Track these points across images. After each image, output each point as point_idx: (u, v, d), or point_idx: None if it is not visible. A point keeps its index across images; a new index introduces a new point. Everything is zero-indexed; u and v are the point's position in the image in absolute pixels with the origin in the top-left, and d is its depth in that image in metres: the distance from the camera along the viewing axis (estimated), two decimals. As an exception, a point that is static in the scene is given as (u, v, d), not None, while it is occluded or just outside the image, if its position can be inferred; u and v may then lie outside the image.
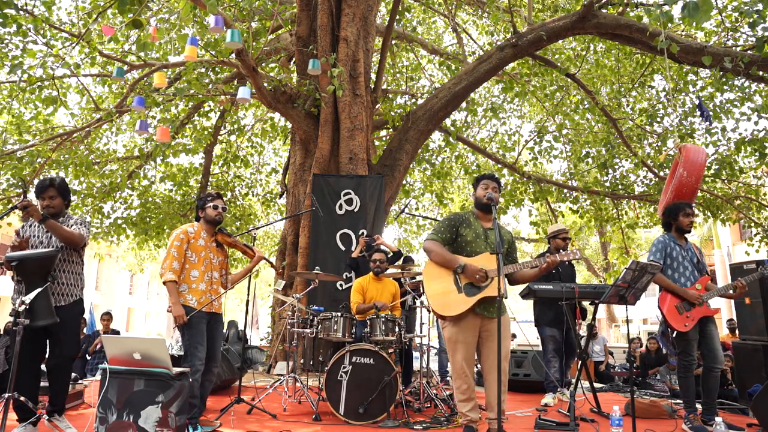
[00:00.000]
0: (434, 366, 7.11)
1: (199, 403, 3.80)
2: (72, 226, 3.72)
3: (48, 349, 3.68)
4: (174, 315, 3.67)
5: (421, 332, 5.31)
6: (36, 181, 8.73)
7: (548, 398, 5.42)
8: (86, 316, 9.91)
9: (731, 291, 4.21)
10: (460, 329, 3.53)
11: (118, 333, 8.93)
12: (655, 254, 4.33)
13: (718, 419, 3.24)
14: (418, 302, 5.28)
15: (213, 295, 3.88)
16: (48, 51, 7.34)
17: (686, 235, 4.48)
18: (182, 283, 3.80)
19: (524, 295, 5.25)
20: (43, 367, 3.85)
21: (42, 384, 3.81)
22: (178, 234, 3.83)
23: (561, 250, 5.57)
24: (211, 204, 3.96)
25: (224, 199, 4.19)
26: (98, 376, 3.31)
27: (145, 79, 8.37)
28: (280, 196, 10.07)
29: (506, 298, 3.23)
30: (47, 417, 3.52)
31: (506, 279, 3.61)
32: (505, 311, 3.62)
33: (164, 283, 3.74)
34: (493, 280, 3.45)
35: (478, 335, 3.58)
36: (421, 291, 6.69)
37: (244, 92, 5.92)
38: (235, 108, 10.92)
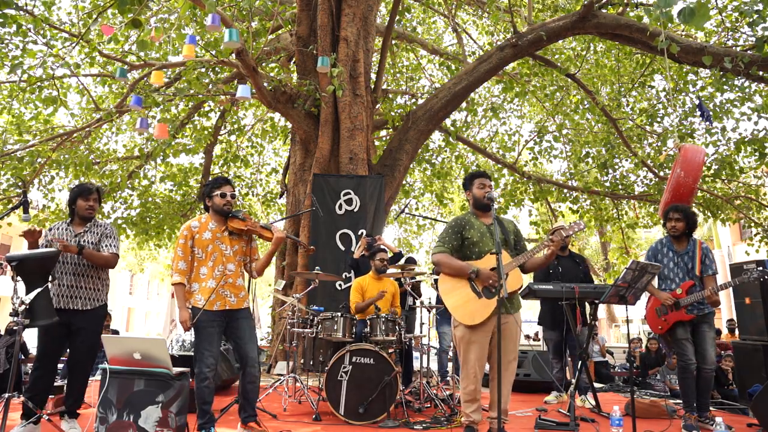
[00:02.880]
0: (434, 366, 7.11)
1: (248, 407, 3.60)
2: (101, 237, 3.79)
3: (68, 351, 3.73)
4: (179, 320, 3.48)
5: (421, 332, 5.31)
6: (35, 181, 8.74)
7: (551, 396, 5.46)
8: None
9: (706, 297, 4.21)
10: (474, 330, 3.47)
11: (117, 333, 8.92)
12: (647, 260, 4.44)
13: (718, 419, 3.24)
14: (417, 302, 5.29)
15: (228, 290, 3.57)
16: (48, 51, 7.34)
17: (693, 237, 4.43)
18: (193, 282, 3.57)
19: (524, 295, 5.26)
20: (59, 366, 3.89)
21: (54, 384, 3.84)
22: (182, 231, 3.60)
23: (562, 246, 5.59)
24: (218, 192, 3.64)
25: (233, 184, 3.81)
26: (98, 376, 3.30)
27: (145, 79, 8.37)
28: (280, 196, 10.08)
29: (506, 296, 3.21)
30: (47, 417, 3.52)
31: (520, 269, 3.58)
32: (517, 310, 3.62)
33: (172, 285, 3.56)
34: (507, 277, 3.43)
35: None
36: (421, 292, 6.72)
37: (243, 90, 5.90)
38: (235, 108, 10.92)
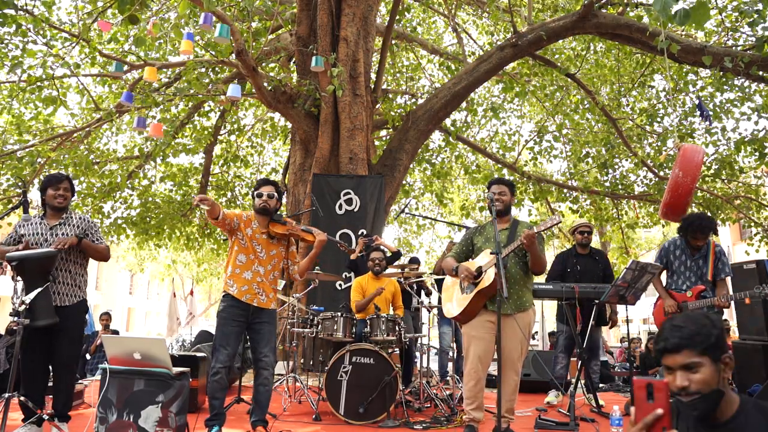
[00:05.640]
0: (434, 366, 7.10)
1: (258, 410, 3.59)
2: (88, 231, 3.72)
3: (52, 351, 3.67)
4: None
5: (421, 332, 5.31)
6: (36, 181, 8.74)
7: (551, 396, 5.37)
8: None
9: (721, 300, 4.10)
10: (472, 326, 3.61)
11: (117, 333, 8.93)
12: (658, 259, 4.40)
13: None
14: (419, 302, 5.29)
15: (261, 288, 3.60)
16: (48, 51, 7.34)
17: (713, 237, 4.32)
18: (228, 265, 3.62)
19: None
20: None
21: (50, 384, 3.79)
22: (233, 211, 3.68)
23: (578, 245, 5.51)
24: (255, 193, 3.69)
25: (276, 184, 3.80)
26: (98, 376, 3.30)
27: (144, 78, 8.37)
28: (280, 196, 10.12)
29: (507, 297, 3.21)
30: (47, 418, 3.51)
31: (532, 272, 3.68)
32: (528, 308, 3.64)
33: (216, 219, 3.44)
34: (486, 274, 3.49)
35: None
36: (424, 293, 6.74)
37: (234, 90, 5.90)
38: (235, 108, 10.92)
